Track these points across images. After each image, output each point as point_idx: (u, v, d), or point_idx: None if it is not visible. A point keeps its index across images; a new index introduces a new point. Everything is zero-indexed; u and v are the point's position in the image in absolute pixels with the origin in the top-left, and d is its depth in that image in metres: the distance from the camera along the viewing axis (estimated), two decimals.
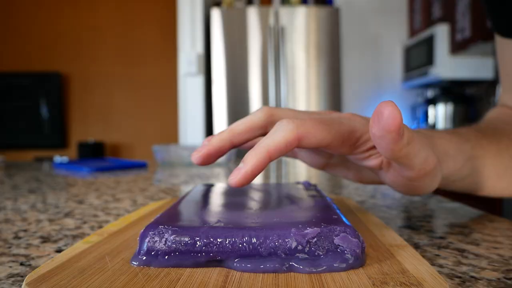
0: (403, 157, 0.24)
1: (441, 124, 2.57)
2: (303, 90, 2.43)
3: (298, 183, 0.41)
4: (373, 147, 0.27)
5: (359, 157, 0.28)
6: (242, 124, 0.28)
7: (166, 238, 0.22)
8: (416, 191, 0.30)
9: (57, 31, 3.14)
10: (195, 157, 0.28)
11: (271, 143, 0.24)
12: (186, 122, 2.50)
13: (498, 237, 0.32)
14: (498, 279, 0.23)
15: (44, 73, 3.10)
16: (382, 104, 0.21)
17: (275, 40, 2.41)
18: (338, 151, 0.27)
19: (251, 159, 0.24)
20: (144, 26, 3.13)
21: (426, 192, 0.30)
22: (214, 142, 0.28)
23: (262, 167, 0.24)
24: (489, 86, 2.38)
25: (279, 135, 0.24)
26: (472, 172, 0.37)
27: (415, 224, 0.37)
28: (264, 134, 0.29)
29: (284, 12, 2.43)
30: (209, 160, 0.28)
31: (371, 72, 2.89)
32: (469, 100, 2.55)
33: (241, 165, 0.24)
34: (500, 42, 0.44)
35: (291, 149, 0.24)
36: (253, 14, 2.42)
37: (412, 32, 2.83)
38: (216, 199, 0.32)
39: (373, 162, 0.29)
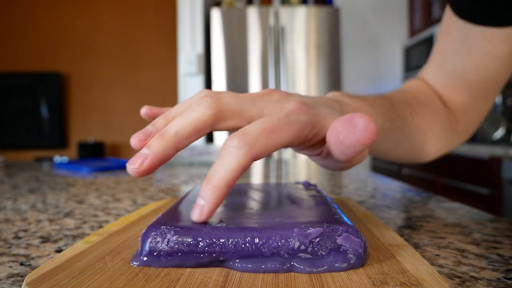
0: (354, 159, 0.26)
1: None
2: (303, 90, 2.43)
3: (298, 183, 0.41)
4: (319, 142, 0.27)
5: (300, 147, 0.27)
6: (188, 126, 0.24)
7: (169, 239, 0.22)
8: (345, 169, 0.30)
9: (57, 31, 3.14)
10: (133, 170, 0.24)
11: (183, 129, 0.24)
12: None
13: (498, 237, 0.32)
14: (498, 279, 0.23)
15: (44, 73, 3.10)
16: (355, 115, 0.22)
17: (275, 40, 2.41)
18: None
19: (157, 145, 0.24)
20: (144, 26, 3.13)
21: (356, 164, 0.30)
22: (157, 151, 0.24)
23: (170, 155, 0.24)
24: None
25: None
26: (403, 141, 0.40)
27: (415, 224, 0.37)
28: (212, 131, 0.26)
29: (284, 12, 2.42)
30: (150, 172, 0.24)
31: (371, 72, 2.89)
32: None
33: (145, 150, 0.24)
34: (451, 19, 0.44)
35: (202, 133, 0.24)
36: (253, 14, 2.42)
37: (412, 32, 2.83)
38: None
39: (314, 152, 0.28)
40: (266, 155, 0.24)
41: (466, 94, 0.46)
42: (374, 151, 0.42)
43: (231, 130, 0.26)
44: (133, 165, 0.23)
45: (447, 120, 0.47)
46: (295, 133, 0.24)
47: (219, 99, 0.25)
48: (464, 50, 0.44)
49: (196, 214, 0.23)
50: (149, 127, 0.26)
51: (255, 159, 0.23)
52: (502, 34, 0.40)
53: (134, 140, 0.26)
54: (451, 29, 0.44)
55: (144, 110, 0.31)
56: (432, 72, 0.48)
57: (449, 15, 0.45)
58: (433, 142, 0.46)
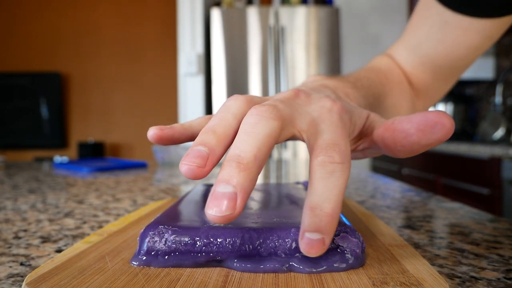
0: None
1: None
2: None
3: (298, 183, 0.41)
4: (356, 138, 0.27)
5: None
6: (263, 146, 0.20)
7: (166, 238, 0.22)
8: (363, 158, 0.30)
9: (57, 31, 3.14)
10: (221, 217, 0.18)
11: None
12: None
13: (498, 237, 0.32)
14: (498, 279, 0.23)
15: (44, 73, 3.10)
16: (429, 113, 0.22)
17: (275, 40, 2.41)
18: None
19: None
20: (144, 26, 3.13)
21: None
22: (246, 185, 0.19)
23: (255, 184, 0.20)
24: (489, 86, 2.38)
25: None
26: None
27: (415, 224, 0.37)
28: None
29: (284, 12, 2.42)
30: (240, 213, 0.20)
31: None
32: (469, 100, 2.55)
33: (228, 188, 0.18)
34: (431, 2, 0.44)
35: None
36: (253, 14, 2.42)
37: None
38: None
39: (352, 147, 0.28)
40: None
41: (431, 76, 0.48)
42: None
43: (284, 141, 0.23)
44: (219, 212, 0.18)
45: (411, 100, 0.49)
46: (348, 131, 0.24)
47: (277, 107, 0.22)
48: (439, 36, 0.44)
49: (315, 251, 0.19)
50: (201, 148, 0.20)
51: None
52: (478, 25, 0.41)
53: (189, 168, 0.20)
54: (429, 12, 0.44)
55: (153, 132, 0.24)
56: (403, 51, 0.49)
57: (430, 2, 0.45)
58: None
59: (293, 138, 0.24)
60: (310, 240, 0.19)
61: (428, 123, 0.21)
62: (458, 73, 0.48)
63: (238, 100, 0.23)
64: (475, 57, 0.46)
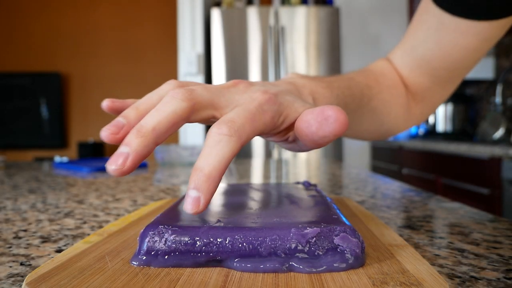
0: (319, 147, 0.27)
1: (441, 124, 2.57)
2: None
3: (298, 183, 0.41)
4: (286, 129, 0.28)
5: (269, 135, 0.29)
6: (165, 120, 0.23)
7: (166, 238, 0.22)
8: (305, 151, 0.31)
9: (57, 31, 3.14)
10: (115, 170, 0.22)
11: None
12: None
13: (498, 237, 0.32)
14: (498, 279, 0.23)
15: (44, 73, 3.10)
16: (326, 108, 0.24)
17: (275, 40, 2.41)
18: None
19: (135, 142, 0.22)
20: (144, 26, 3.13)
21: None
22: (138, 149, 0.22)
23: (150, 151, 0.23)
24: (489, 86, 2.38)
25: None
26: (357, 121, 0.43)
27: (415, 224, 0.37)
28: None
29: (284, 12, 2.42)
30: (132, 171, 0.23)
31: None
32: (469, 100, 2.55)
33: (125, 149, 0.22)
34: (429, 6, 0.44)
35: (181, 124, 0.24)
36: (253, 14, 2.42)
37: None
38: (216, 199, 0.32)
39: (282, 138, 0.29)
40: (247, 142, 0.24)
41: (428, 80, 0.48)
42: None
43: (204, 121, 0.26)
44: (114, 165, 0.22)
45: (405, 104, 0.49)
46: (268, 121, 0.25)
47: (193, 91, 0.24)
48: (435, 38, 0.44)
49: (191, 207, 0.21)
50: (120, 119, 0.25)
51: (242, 146, 0.23)
52: (476, 27, 0.41)
53: (106, 133, 0.24)
54: (426, 16, 0.45)
55: (106, 103, 0.28)
56: (400, 54, 0.49)
57: (426, 1, 0.45)
58: (387, 125, 0.48)
59: (215, 119, 0.26)
60: (188, 197, 0.21)
61: (324, 115, 0.24)
62: (456, 77, 0.48)
63: (169, 84, 0.27)
64: (473, 61, 0.45)
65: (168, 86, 0.27)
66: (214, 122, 0.27)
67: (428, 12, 0.45)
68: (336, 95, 0.36)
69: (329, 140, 0.25)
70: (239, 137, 0.23)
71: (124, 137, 0.24)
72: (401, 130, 0.52)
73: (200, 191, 0.21)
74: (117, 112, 0.28)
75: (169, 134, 0.24)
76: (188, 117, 0.24)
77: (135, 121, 0.25)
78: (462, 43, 0.43)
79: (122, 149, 0.22)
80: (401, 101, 0.48)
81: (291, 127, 0.28)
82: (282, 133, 0.28)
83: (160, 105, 0.24)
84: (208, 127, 2.61)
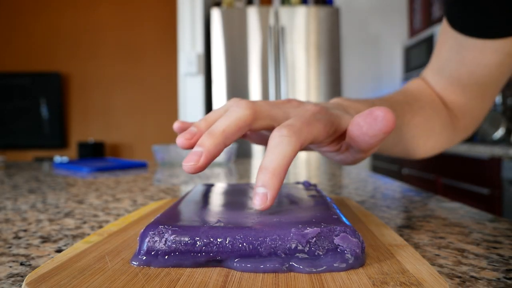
0: (374, 149, 0.29)
1: None
2: (303, 90, 2.43)
3: (298, 183, 0.41)
4: (337, 139, 0.31)
5: (322, 145, 0.31)
6: (233, 124, 0.26)
7: (166, 238, 0.22)
8: (359, 161, 0.34)
9: (57, 31, 3.14)
10: (191, 166, 0.25)
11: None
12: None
13: (498, 237, 0.32)
14: (498, 279, 0.23)
15: (44, 73, 3.10)
16: (374, 109, 0.26)
17: (275, 40, 2.41)
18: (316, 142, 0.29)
19: (208, 141, 0.26)
20: (144, 26, 3.13)
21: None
22: (210, 148, 0.26)
23: (220, 150, 0.26)
24: None
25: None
26: (403, 138, 0.44)
27: (415, 224, 0.37)
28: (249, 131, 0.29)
29: (284, 12, 2.42)
30: (205, 167, 0.26)
31: (371, 72, 2.89)
32: None
33: (199, 148, 0.25)
34: (447, 28, 0.46)
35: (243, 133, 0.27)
36: (253, 14, 2.42)
37: (412, 32, 2.83)
38: (216, 199, 0.32)
39: (334, 148, 0.32)
40: (306, 145, 0.27)
41: (462, 96, 0.49)
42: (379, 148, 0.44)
43: (264, 129, 0.29)
44: (190, 162, 0.25)
45: (448, 118, 0.49)
46: (321, 129, 0.28)
47: (254, 102, 0.28)
48: (457, 58, 0.46)
49: (259, 202, 0.23)
50: (193, 128, 0.28)
51: (301, 148, 0.26)
52: (493, 45, 0.42)
53: (181, 140, 0.27)
54: (447, 37, 0.47)
55: (177, 125, 0.32)
56: (431, 75, 0.51)
57: (445, 23, 0.47)
58: (433, 139, 0.49)
59: (272, 128, 0.29)
60: (256, 194, 0.24)
61: (373, 115, 0.26)
62: (490, 91, 0.48)
63: (233, 100, 0.30)
64: (502, 74, 0.46)
65: (231, 101, 0.30)
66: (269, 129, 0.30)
67: (447, 33, 0.46)
68: None
69: (380, 139, 0.26)
70: (298, 138, 0.25)
71: (196, 142, 0.27)
72: (447, 146, 0.52)
73: (266, 187, 0.24)
74: (184, 130, 0.31)
75: (235, 138, 0.27)
76: (251, 124, 0.27)
77: (205, 129, 0.28)
78: (483, 60, 0.44)
79: (197, 149, 0.26)
80: (443, 117, 0.49)
81: (342, 136, 0.31)
82: (335, 143, 0.31)
83: (227, 113, 0.27)
84: None
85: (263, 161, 0.25)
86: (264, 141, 0.35)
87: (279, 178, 0.24)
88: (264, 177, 0.24)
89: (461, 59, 0.45)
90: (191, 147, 0.27)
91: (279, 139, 0.25)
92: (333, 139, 0.30)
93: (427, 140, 0.48)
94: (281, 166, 0.24)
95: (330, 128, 0.29)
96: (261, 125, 0.28)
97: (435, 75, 0.50)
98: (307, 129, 0.26)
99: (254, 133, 0.34)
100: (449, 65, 0.47)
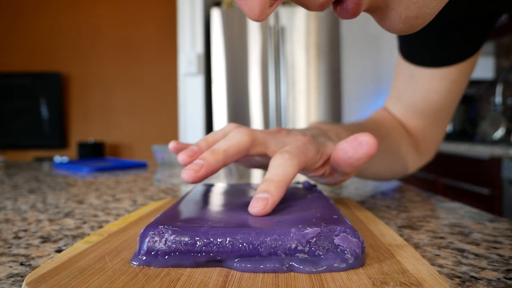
0: (354, 172, 0.32)
1: None
2: (303, 90, 2.43)
3: (298, 183, 0.42)
4: (321, 165, 0.33)
5: (308, 171, 0.33)
6: (233, 147, 0.29)
7: (166, 238, 0.22)
8: (338, 184, 0.37)
9: (57, 31, 3.14)
10: (189, 174, 0.27)
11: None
12: (186, 122, 2.50)
13: (498, 237, 0.32)
14: (498, 279, 0.23)
15: (44, 73, 3.10)
16: (358, 135, 0.28)
17: (275, 40, 2.41)
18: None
19: (210, 157, 0.28)
20: (144, 26, 3.13)
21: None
22: (211, 162, 0.28)
23: (219, 168, 0.28)
24: (489, 86, 2.38)
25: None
26: (374, 162, 0.47)
27: (415, 224, 0.37)
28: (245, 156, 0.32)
29: (284, 12, 2.42)
30: (202, 179, 0.28)
31: (371, 72, 2.89)
32: (469, 100, 2.55)
33: (200, 161, 0.28)
34: (401, 63, 0.52)
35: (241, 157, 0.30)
36: None
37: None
38: (216, 199, 0.32)
39: (319, 173, 0.34)
40: (298, 172, 0.29)
41: (420, 121, 0.53)
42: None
43: (258, 155, 0.32)
44: (190, 171, 0.27)
45: (410, 143, 0.54)
46: (311, 156, 0.31)
47: (252, 130, 0.31)
48: (411, 86, 0.51)
49: (260, 205, 0.25)
50: (194, 147, 0.31)
51: (298, 171, 0.29)
52: (439, 73, 0.48)
53: (183, 156, 0.30)
54: (401, 68, 0.52)
55: (173, 145, 0.34)
56: (391, 104, 0.56)
57: (399, 56, 0.53)
58: (400, 162, 0.53)
59: (266, 156, 0.32)
60: (258, 198, 0.26)
61: (357, 141, 0.28)
62: (443, 115, 0.53)
63: (230, 125, 0.34)
64: (452, 100, 0.51)
65: (230, 126, 0.34)
66: (262, 160, 0.34)
67: (401, 65, 0.52)
68: None
69: (364, 162, 0.29)
70: (298, 161, 0.29)
71: (195, 158, 0.29)
72: (413, 169, 0.56)
73: (269, 193, 0.26)
74: (180, 151, 0.34)
75: (233, 160, 0.30)
76: (248, 149, 0.30)
77: (206, 148, 0.31)
78: (432, 87, 0.49)
79: (198, 161, 0.28)
80: (406, 141, 0.53)
81: (326, 162, 0.33)
82: (319, 169, 0.34)
83: (228, 136, 0.30)
84: (207, 132, 2.61)
85: (267, 175, 0.27)
86: (252, 166, 0.38)
87: (281, 189, 0.26)
88: (268, 185, 0.26)
89: (414, 86, 0.51)
90: (190, 162, 0.30)
91: (282, 160, 0.28)
92: (318, 166, 0.33)
93: (395, 164, 0.52)
94: (284, 180, 0.27)
95: (317, 156, 0.32)
96: (256, 151, 0.31)
97: (395, 103, 0.55)
98: (302, 156, 0.30)
99: (244, 157, 0.35)
100: (404, 93, 0.52)
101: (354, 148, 0.28)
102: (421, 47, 0.49)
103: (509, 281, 0.22)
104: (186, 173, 0.27)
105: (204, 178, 0.28)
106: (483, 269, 0.24)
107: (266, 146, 0.32)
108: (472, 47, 0.47)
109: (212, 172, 0.28)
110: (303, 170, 0.32)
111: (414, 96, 0.51)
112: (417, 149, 0.55)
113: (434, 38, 0.47)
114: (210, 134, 0.33)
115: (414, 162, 0.55)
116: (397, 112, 0.55)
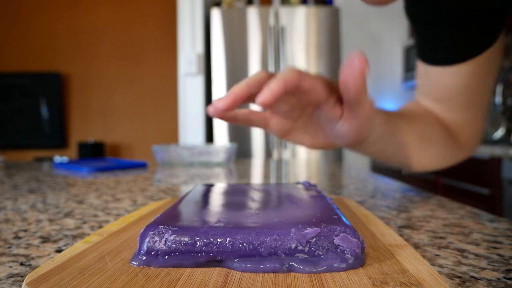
0: (362, 95, 0.32)
1: None
2: None
3: (298, 183, 0.41)
4: (337, 102, 0.34)
5: (327, 108, 0.34)
6: (253, 78, 0.32)
7: (166, 238, 0.22)
8: (361, 137, 0.36)
9: (57, 31, 3.14)
10: (264, 97, 0.29)
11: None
12: (186, 122, 2.50)
13: (498, 237, 0.32)
14: (498, 279, 0.23)
15: (44, 73, 3.10)
16: (350, 56, 0.29)
17: (275, 40, 2.41)
18: (319, 96, 0.33)
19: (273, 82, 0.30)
20: (144, 26, 3.13)
21: (367, 138, 0.37)
22: (237, 90, 0.31)
23: (283, 91, 0.30)
24: None
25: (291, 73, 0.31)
26: (400, 145, 0.47)
27: (415, 224, 0.37)
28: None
29: (284, 12, 2.42)
30: (231, 109, 0.31)
31: (371, 72, 2.89)
32: None
33: (266, 90, 0.30)
34: (419, 63, 0.54)
35: (296, 86, 0.31)
36: (253, 14, 2.42)
37: (412, 32, 2.83)
38: (216, 199, 0.32)
39: (337, 112, 0.34)
40: (309, 90, 0.32)
41: (451, 113, 0.53)
42: (369, 151, 0.46)
43: (309, 87, 0.33)
44: (264, 96, 0.30)
45: (446, 132, 0.53)
46: (322, 83, 0.33)
47: (298, 70, 0.33)
48: (430, 82, 0.53)
49: (265, 93, 0.30)
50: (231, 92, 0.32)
51: (303, 84, 0.31)
52: (451, 70, 0.49)
53: (232, 96, 0.32)
54: (420, 68, 0.54)
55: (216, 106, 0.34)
56: (420, 97, 0.56)
57: (419, 62, 0.55)
58: (432, 150, 0.51)
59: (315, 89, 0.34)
60: (266, 88, 0.30)
61: (350, 58, 0.30)
62: (474, 105, 0.53)
63: (263, 72, 0.35)
64: (477, 89, 0.51)
65: (262, 72, 0.34)
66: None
67: (420, 65, 0.54)
68: (377, 113, 0.41)
69: (358, 77, 0.30)
70: (300, 73, 0.31)
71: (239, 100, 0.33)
72: (450, 160, 0.54)
73: (272, 86, 0.30)
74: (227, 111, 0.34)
75: (290, 90, 0.31)
76: (300, 80, 0.32)
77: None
78: (449, 83, 0.50)
79: (264, 91, 0.30)
80: (440, 128, 0.52)
81: (341, 102, 0.34)
82: (335, 108, 0.34)
83: (279, 74, 0.31)
84: (207, 132, 2.61)
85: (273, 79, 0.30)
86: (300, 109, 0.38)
87: (284, 85, 0.30)
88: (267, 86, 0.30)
89: (433, 82, 0.52)
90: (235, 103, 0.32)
91: (285, 70, 0.31)
92: (334, 101, 0.34)
93: (426, 150, 0.50)
94: (283, 78, 0.30)
95: (329, 88, 0.33)
96: (308, 82, 0.32)
97: (422, 97, 0.56)
98: (311, 74, 0.32)
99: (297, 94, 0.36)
100: (428, 88, 0.54)
101: (348, 65, 0.30)
102: (431, 49, 0.51)
103: (509, 281, 0.22)
104: (264, 95, 0.29)
105: (277, 97, 0.30)
106: (483, 269, 0.24)
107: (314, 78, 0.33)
108: (484, 42, 0.48)
109: (280, 95, 0.30)
110: (319, 107, 0.34)
111: (436, 90, 0.53)
112: (456, 140, 0.54)
113: (440, 37, 0.49)
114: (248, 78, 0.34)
115: (451, 153, 0.54)
116: (426, 104, 0.55)
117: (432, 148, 0.51)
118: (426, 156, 0.51)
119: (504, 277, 0.23)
